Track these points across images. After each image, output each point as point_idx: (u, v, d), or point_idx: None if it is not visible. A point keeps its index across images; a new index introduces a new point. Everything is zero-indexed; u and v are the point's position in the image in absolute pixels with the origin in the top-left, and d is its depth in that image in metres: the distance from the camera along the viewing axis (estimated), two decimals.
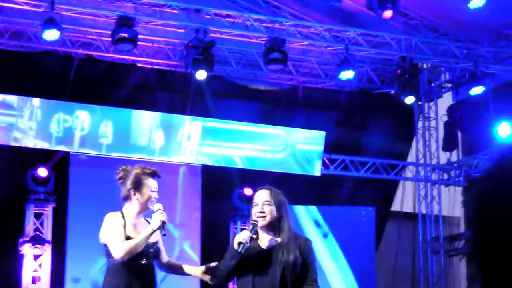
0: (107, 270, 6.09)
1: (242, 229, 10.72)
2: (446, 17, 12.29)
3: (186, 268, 6.36)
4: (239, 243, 5.54)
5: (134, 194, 6.12)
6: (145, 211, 6.17)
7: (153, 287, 6.18)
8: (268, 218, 5.65)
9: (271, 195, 5.69)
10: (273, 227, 5.68)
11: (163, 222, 5.96)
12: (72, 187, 10.52)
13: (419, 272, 13.29)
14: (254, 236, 5.65)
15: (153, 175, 6.24)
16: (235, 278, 5.76)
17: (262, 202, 5.68)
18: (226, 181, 11.67)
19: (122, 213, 6.14)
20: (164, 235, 6.05)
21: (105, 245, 6.06)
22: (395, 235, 13.38)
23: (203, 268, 6.13)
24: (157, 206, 6.12)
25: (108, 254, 6.03)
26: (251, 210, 5.77)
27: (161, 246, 6.32)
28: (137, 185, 6.13)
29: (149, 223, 6.09)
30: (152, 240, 6.08)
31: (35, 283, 10.05)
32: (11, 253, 10.07)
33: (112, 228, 6.04)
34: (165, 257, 6.39)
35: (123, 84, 11.43)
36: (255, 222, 5.67)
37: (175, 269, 6.45)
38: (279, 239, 5.65)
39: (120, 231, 6.01)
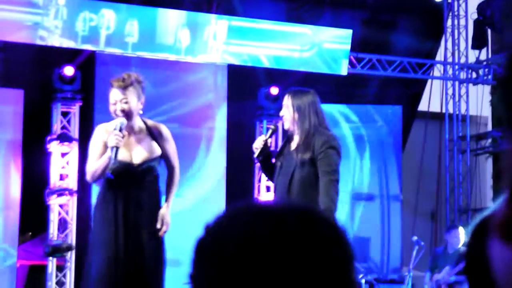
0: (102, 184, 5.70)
1: (267, 128, 10.77)
2: None
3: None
4: (255, 149, 5.79)
5: None
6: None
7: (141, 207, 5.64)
8: (286, 121, 5.76)
9: (288, 99, 5.76)
10: (294, 129, 5.77)
11: (114, 148, 5.34)
12: (98, 86, 10.53)
13: (445, 171, 13.31)
14: (270, 140, 5.89)
15: (111, 86, 5.58)
16: None
17: (283, 105, 5.77)
18: (252, 80, 11.62)
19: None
20: (114, 163, 5.38)
21: None
22: (422, 134, 13.35)
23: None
24: (114, 124, 5.50)
25: None
26: None
27: (175, 160, 5.81)
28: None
29: (145, 124, 5.73)
30: (137, 161, 5.56)
31: (63, 180, 10.15)
32: (39, 152, 10.15)
33: (91, 145, 5.65)
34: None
35: None
36: (273, 127, 6.08)
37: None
38: (295, 140, 5.74)
39: (95, 150, 5.55)
